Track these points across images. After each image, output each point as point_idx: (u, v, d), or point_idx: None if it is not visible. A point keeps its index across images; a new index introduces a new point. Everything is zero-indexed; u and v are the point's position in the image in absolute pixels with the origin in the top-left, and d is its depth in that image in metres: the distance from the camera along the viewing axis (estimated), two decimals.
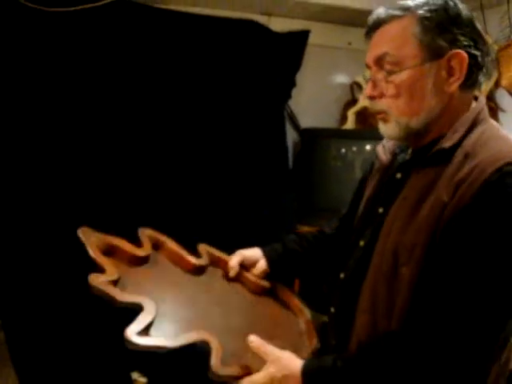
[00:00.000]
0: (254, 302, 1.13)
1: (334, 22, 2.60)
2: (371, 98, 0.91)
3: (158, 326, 0.87)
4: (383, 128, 0.92)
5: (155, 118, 2.14)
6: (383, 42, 0.88)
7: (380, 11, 0.89)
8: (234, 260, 1.18)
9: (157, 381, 2.24)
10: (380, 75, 0.89)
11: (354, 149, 2.36)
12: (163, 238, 1.14)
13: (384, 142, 1.05)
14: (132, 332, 0.80)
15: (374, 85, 0.90)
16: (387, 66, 0.87)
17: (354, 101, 2.59)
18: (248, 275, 1.18)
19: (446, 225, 0.79)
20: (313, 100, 2.62)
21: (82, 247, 0.99)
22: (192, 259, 1.12)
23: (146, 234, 1.11)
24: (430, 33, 0.84)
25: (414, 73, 0.85)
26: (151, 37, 2.09)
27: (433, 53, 0.84)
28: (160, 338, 0.83)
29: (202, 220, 2.16)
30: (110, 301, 0.87)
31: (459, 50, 0.83)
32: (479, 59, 0.86)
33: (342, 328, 0.97)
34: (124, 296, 0.87)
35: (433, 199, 0.82)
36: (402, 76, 0.85)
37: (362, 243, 0.98)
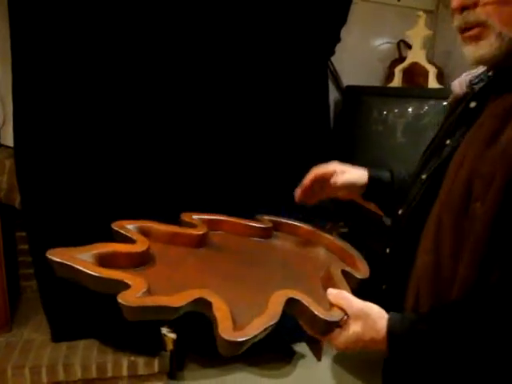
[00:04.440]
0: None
1: None
2: (462, 8, 0.75)
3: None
4: (472, 49, 0.77)
5: (191, 74, 2.05)
6: None
7: None
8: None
9: (186, 337, 2.23)
10: None
11: (399, 108, 2.24)
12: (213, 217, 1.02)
13: (463, 75, 0.94)
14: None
15: None
16: None
17: (400, 59, 2.46)
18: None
19: None
20: (356, 58, 2.50)
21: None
22: (254, 223, 1.03)
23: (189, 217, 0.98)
24: None
25: None
26: None
27: None
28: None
29: (240, 180, 2.09)
30: (161, 314, 0.65)
31: None
32: None
33: (397, 270, 0.88)
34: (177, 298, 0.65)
35: None
36: None
37: (423, 176, 0.88)
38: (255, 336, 0.61)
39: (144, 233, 0.86)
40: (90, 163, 1.94)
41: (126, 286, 0.65)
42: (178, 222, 0.97)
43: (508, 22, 0.72)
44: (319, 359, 2.44)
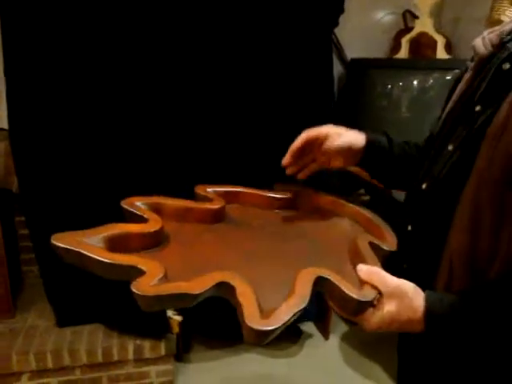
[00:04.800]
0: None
1: None
2: None
3: None
4: None
5: (192, 48, 1.97)
6: None
7: None
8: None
9: (191, 318, 2.20)
10: None
11: (405, 81, 2.16)
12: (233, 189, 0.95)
13: (485, 33, 0.87)
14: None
15: None
16: None
17: (406, 29, 2.37)
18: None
19: None
20: (361, 30, 2.42)
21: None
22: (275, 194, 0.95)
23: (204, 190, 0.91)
24: None
25: None
26: None
27: None
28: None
29: (241, 152, 2.03)
30: (179, 302, 0.59)
31: None
32: None
33: (423, 250, 0.83)
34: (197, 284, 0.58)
35: None
36: None
37: (450, 147, 0.82)
38: (284, 324, 0.55)
39: (155, 210, 0.79)
40: (90, 141, 1.87)
41: (140, 272, 0.58)
42: (187, 197, 0.89)
43: None
44: (327, 338, 2.42)
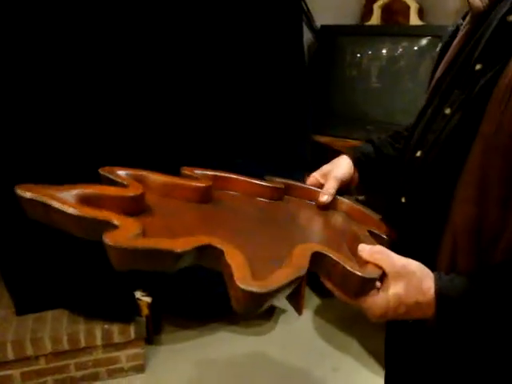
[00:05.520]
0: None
1: None
2: None
3: None
4: None
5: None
6: None
7: None
8: (331, 187, 0.89)
9: (161, 300, 2.12)
10: None
11: (375, 50, 2.10)
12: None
13: None
14: None
15: None
16: None
17: None
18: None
19: None
20: None
21: None
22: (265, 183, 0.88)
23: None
24: None
25: None
26: None
27: None
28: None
29: (213, 123, 1.93)
30: (158, 262, 0.50)
31: None
32: None
33: (420, 224, 0.76)
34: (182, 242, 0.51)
35: None
36: None
37: (447, 110, 0.75)
38: (279, 289, 0.48)
39: (138, 182, 0.71)
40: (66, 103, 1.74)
41: (115, 228, 0.51)
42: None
43: None
44: (300, 313, 2.39)
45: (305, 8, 2.26)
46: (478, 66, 0.73)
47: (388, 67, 2.13)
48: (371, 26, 2.17)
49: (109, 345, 1.88)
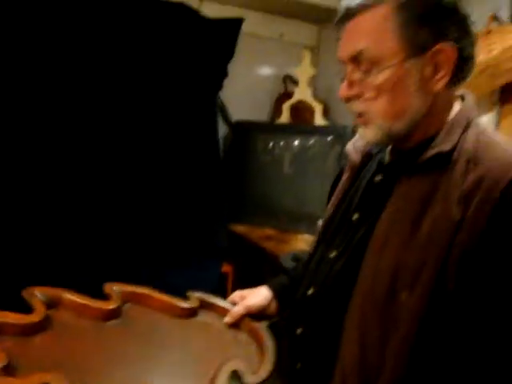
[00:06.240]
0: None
1: (267, 11, 2.51)
2: (347, 99, 0.78)
3: None
4: (362, 132, 0.80)
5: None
6: (358, 37, 0.75)
7: None
8: (237, 311, 0.99)
9: None
10: (357, 75, 0.76)
11: (286, 142, 2.28)
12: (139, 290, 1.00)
13: (354, 139, 0.93)
14: None
15: (350, 84, 0.77)
16: (364, 65, 0.74)
17: (286, 94, 2.51)
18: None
19: (464, 255, 0.67)
20: (244, 92, 2.50)
21: None
22: (182, 303, 0.99)
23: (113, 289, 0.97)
24: (412, 24, 0.72)
25: (395, 72, 0.73)
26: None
27: (416, 48, 0.72)
28: None
29: (131, 216, 1.96)
30: None
31: (446, 43, 0.72)
32: (467, 51, 0.75)
33: (314, 351, 0.84)
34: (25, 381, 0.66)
35: (437, 213, 0.70)
36: (382, 76, 0.73)
37: (331, 254, 0.85)
38: None
39: (54, 301, 0.89)
40: None
41: None
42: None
43: (384, 115, 0.76)
44: None
45: (220, 104, 2.41)
46: (355, 216, 0.84)
47: (297, 162, 2.30)
48: (281, 125, 2.37)
49: None
